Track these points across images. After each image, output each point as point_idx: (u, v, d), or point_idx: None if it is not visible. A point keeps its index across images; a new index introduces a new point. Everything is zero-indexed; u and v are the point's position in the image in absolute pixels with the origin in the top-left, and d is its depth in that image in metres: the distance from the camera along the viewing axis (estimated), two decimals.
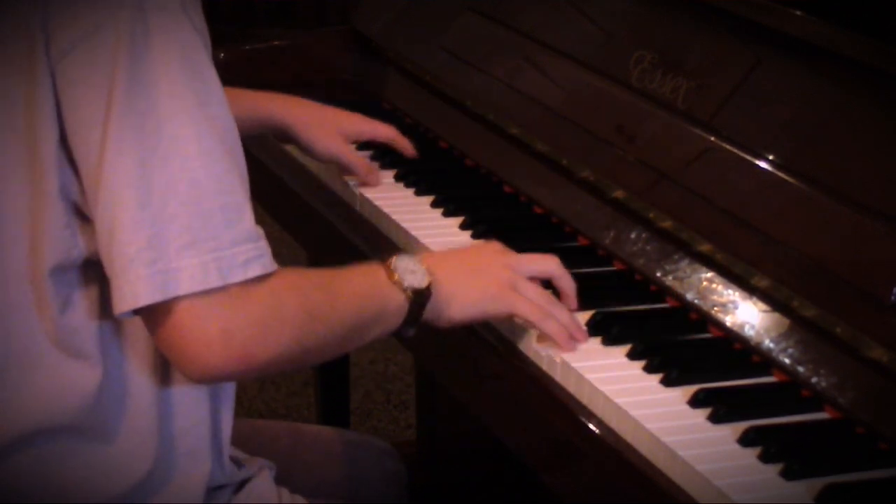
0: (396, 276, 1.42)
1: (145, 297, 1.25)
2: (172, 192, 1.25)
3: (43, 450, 1.35)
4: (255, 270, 1.28)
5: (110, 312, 1.31)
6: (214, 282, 1.26)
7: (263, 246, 1.30)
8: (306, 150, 1.92)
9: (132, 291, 1.25)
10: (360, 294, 1.41)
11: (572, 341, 1.46)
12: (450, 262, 1.51)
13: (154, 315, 1.28)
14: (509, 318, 1.50)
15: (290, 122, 1.90)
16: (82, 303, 1.34)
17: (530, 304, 1.47)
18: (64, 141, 1.29)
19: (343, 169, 1.91)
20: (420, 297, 1.43)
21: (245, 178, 1.33)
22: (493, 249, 1.54)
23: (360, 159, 1.90)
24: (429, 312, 1.44)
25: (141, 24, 1.25)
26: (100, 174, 1.26)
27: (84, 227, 1.31)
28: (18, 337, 1.34)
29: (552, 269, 1.53)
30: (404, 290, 1.42)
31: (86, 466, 1.36)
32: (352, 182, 1.90)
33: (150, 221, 1.25)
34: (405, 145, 1.95)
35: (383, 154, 1.98)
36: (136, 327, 1.35)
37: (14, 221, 1.32)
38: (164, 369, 1.38)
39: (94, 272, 1.33)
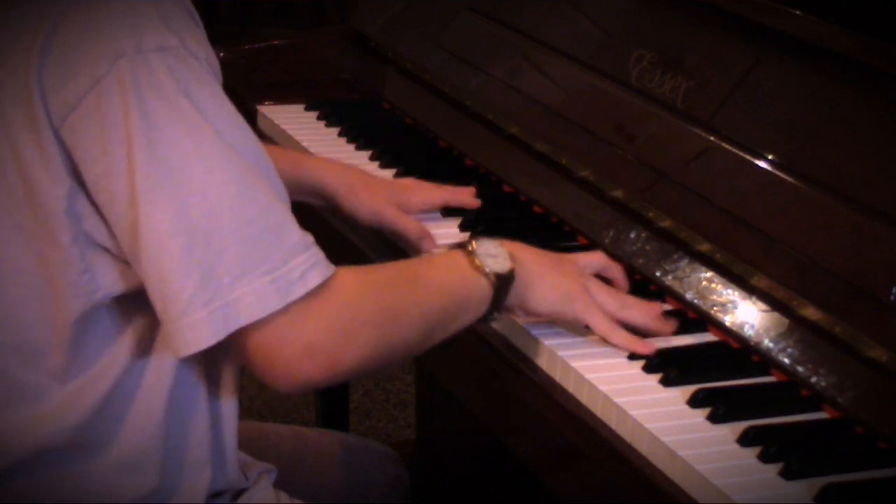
0: (478, 262, 1.40)
1: (209, 338, 1.25)
2: (215, 227, 1.24)
3: (47, 469, 1.35)
4: (314, 280, 1.27)
5: (131, 340, 1.33)
6: (274, 305, 1.25)
7: (316, 252, 1.29)
8: (351, 216, 1.73)
9: (195, 336, 1.25)
10: (443, 284, 1.39)
11: (646, 345, 1.44)
12: (529, 249, 1.48)
13: (233, 344, 1.28)
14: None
15: (334, 186, 1.73)
16: (104, 334, 1.33)
17: (602, 317, 1.46)
18: (77, 193, 1.27)
19: (393, 235, 1.71)
20: (504, 282, 1.41)
21: (280, 189, 1.32)
22: (567, 258, 1.51)
23: (411, 223, 1.70)
24: (511, 297, 1.42)
25: (143, 68, 1.24)
26: (136, 226, 1.24)
27: (105, 269, 1.30)
28: (20, 375, 1.33)
29: (603, 263, 1.54)
30: (487, 274, 1.40)
31: (91, 483, 1.36)
32: None
33: (199, 262, 1.24)
34: (469, 202, 1.78)
35: (382, 150, 1.97)
36: (160, 355, 1.35)
37: (23, 277, 1.31)
38: (171, 386, 1.37)
39: (120, 306, 1.32)
